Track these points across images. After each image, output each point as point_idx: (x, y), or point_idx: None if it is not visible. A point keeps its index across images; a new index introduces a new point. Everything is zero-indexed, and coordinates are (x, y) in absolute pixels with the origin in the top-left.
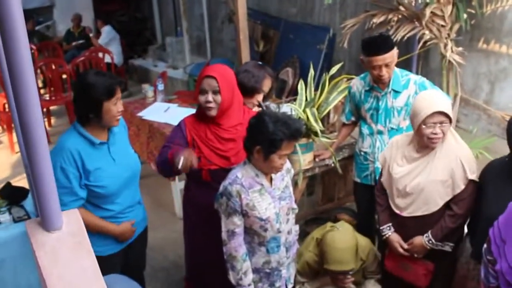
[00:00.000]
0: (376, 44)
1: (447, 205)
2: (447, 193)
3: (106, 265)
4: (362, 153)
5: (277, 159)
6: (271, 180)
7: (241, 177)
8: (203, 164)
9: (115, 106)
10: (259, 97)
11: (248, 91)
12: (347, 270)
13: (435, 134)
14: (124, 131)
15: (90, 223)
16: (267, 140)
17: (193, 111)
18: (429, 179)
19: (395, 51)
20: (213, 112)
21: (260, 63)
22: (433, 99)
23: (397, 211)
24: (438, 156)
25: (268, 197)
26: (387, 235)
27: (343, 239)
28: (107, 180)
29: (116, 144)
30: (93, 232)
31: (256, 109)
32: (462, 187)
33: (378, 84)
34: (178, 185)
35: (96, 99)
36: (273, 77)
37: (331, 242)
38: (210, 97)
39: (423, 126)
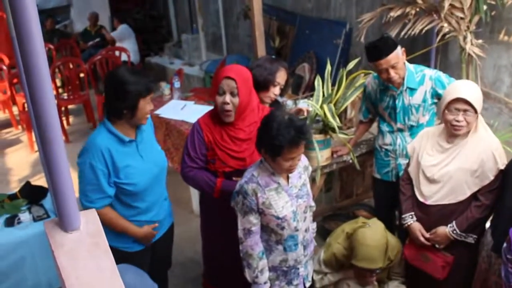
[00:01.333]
0: (377, 48)
1: (473, 196)
2: (475, 183)
3: (135, 260)
4: (383, 149)
5: (284, 162)
6: (287, 178)
7: (257, 176)
8: (218, 166)
9: (148, 105)
10: (275, 90)
11: (261, 85)
12: (375, 268)
13: (458, 121)
14: (151, 129)
15: (115, 224)
16: (269, 144)
17: (209, 108)
18: (458, 167)
19: (398, 50)
20: (231, 118)
21: (273, 57)
22: (460, 86)
23: (422, 199)
24: (469, 146)
25: (285, 195)
26: (408, 223)
27: (374, 236)
28: (136, 177)
29: (143, 141)
30: (115, 231)
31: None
32: (491, 178)
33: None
34: None
35: (134, 95)
36: (287, 69)
37: (362, 239)
38: (228, 98)
39: (446, 111)
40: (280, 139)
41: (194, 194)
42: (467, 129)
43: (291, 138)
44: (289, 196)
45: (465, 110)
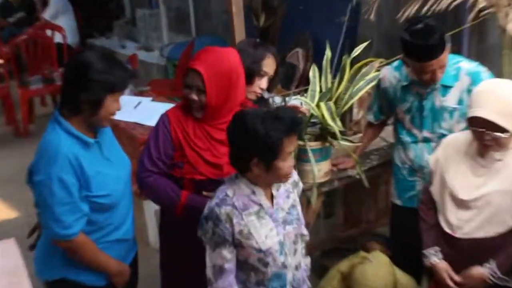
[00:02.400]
0: (429, 48)
1: None
2: None
3: None
4: (407, 166)
5: (283, 163)
6: (272, 197)
7: (232, 196)
8: (186, 172)
9: (116, 104)
10: (262, 83)
11: (245, 77)
12: None
13: (484, 141)
14: (109, 127)
15: (89, 257)
16: (262, 147)
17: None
18: (498, 190)
19: (448, 44)
20: (198, 115)
21: (258, 40)
22: (487, 95)
23: (449, 231)
24: (511, 162)
25: (269, 220)
26: (432, 261)
27: (377, 274)
28: (110, 186)
29: (106, 141)
30: (86, 265)
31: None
32: None
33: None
34: (152, 206)
35: (100, 87)
36: (276, 56)
37: (362, 278)
38: (194, 95)
39: (470, 128)
40: (273, 134)
41: (151, 220)
42: (500, 149)
43: (287, 126)
44: (274, 221)
45: (490, 129)
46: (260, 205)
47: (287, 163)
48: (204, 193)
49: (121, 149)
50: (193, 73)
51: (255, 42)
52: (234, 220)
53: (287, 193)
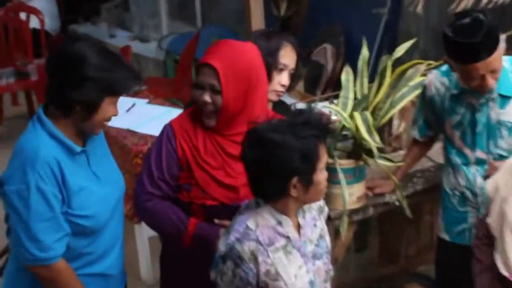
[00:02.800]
0: (469, 47)
1: None
2: None
3: None
4: (457, 193)
5: (322, 176)
6: (298, 227)
7: (255, 228)
8: (195, 196)
9: (113, 108)
10: (282, 78)
11: None
12: None
13: None
14: (103, 136)
15: None
16: (300, 160)
17: (171, 111)
18: None
19: (502, 44)
20: (211, 122)
21: (271, 29)
22: None
23: (507, 274)
24: None
25: (297, 256)
26: None
27: None
28: (95, 206)
29: (96, 153)
30: None
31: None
32: None
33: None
34: (146, 231)
35: (98, 88)
36: (295, 46)
37: None
38: (207, 96)
39: None
40: (308, 142)
41: (144, 248)
42: None
43: (318, 132)
44: (303, 256)
45: None
46: (288, 237)
47: (324, 175)
48: (216, 221)
49: (115, 164)
50: (206, 69)
51: (267, 32)
52: (260, 259)
53: (314, 221)
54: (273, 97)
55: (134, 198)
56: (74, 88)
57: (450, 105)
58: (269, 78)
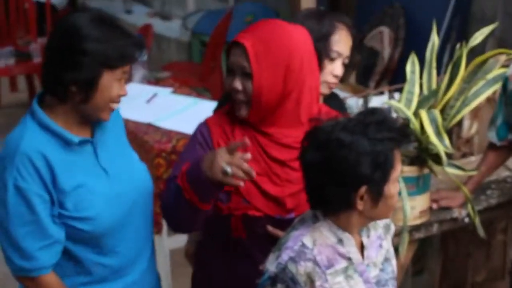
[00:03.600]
0: None
1: None
2: None
3: None
4: None
5: (394, 188)
6: (361, 247)
7: (313, 246)
8: (235, 206)
9: (119, 84)
10: (336, 68)
11: None
12: None
13: None
14: (121, 126)
15: None
16: (373, 168)
17: (199, 102)
18: None
19: None
20: (242, 112)
21: (323, 8)
22: None
23: None
24: None
25: (359, 281)
26: None
27: None
28: (98, 206)
29: (108, 144)
30: None
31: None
32: None
33: None
34: (166, 243)
35: (93, 61)
36: (351, 29)
37: None
38: (237, 82)
39: None
40: (383, 148)
41: (164, 263)
42: None
43: (396, 136)
44: (366, 283)
45: None
46: (349, 258)
47: (397, 188)
48: (270, 228)
49: (135, 158)
50: (236, 49)
51: (319, 11)
52: (317, 283)
53: (380, 241)
54: (325, 89)
55: (161, 198)
56: (66, 65)
57: None
58: (320, 67)
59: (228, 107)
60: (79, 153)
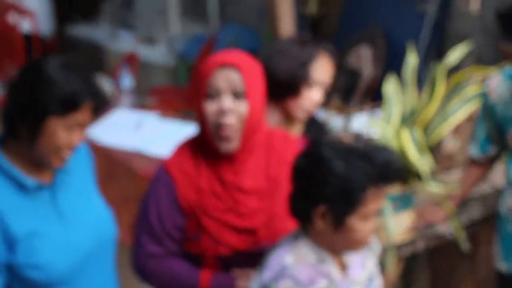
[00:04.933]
0: None
1: None
2: None
3: None
4: None
5: (360, 225)
6: (343, 267)
7: (293, 265)
8: (206, 247)
9: (68, 134)
10: (314, 95)
11: (287, 87)
12: None
13: None
14: (87, 166)
15: None
16: (338, 193)
17: (185, 126)
18: None
19: None
20: (232, 143)
21: (306, 35)
22: None
23: None
24: None
25: None
26: None
27: None
28: (50, 255)
29: (69, 189)
30: None
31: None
32: None
33: None
34: None
35: (40, 105)
36: (333, 56)
37: None
38: (227, 102)
39: None
40: (358, 177)
41: None
42: None
43: (379, 171)
44: None
45: None
46: (329, 277)
47: (366, 225)
48: (236, 271)
49: (99, 201)
50: (226, 70)
51: (301, 38)
52: None
53: (363, 261)
54: (302, 114)
55: (131, 258)
56: (16, 103)
57: None
58: (297, 93)
59: (187, 144)
60: (35, 197)
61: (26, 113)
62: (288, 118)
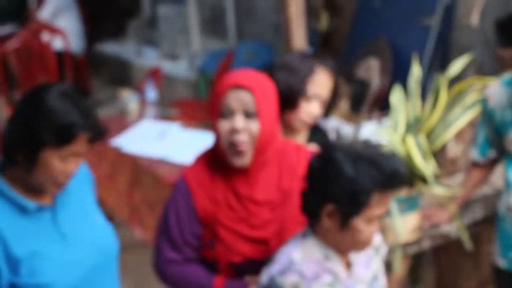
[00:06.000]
0: (509, 28)
1: None
2: None
3: None
4: (511, 215)
5: (364, 226)
6: (348, 265)
7: (300, 260)
8: (220, 254)
9: (62, 164)
10: (311, 108)
11: (286, 99)
12: None
13: None
14: (87, 184)
15: None
16: (345, 193)
17: (206, 136)
18: None
19: None
20: (245, 159)
21: (309, 50)
22: None
23: None
24: None
25: None
26: None
27: None
28: (51, 274)
29: (69, 209)
30: None
31: (311, 146)
32: None
33: None
34: None
35: (34, 137)
36: (331, 71)
37: None
38: (239, 122)
39: None
40: (366, 181)
41: None
42: None
43: (385, 177)
44: None
45: None
46: (335, 274)
47: (370, 228)
48: (247, 278)
49: (100, 222)
50: (239, 91)
51: (303, 54)
52: None
53: (368, 259)
54: (299, 125)
55: (153, 262)
56: (13, 132)
57: (510, 117)
58: (295, 105)
59: (204, 157)
60: (36, 219)
61: (22, 143)
62: (288, 128)
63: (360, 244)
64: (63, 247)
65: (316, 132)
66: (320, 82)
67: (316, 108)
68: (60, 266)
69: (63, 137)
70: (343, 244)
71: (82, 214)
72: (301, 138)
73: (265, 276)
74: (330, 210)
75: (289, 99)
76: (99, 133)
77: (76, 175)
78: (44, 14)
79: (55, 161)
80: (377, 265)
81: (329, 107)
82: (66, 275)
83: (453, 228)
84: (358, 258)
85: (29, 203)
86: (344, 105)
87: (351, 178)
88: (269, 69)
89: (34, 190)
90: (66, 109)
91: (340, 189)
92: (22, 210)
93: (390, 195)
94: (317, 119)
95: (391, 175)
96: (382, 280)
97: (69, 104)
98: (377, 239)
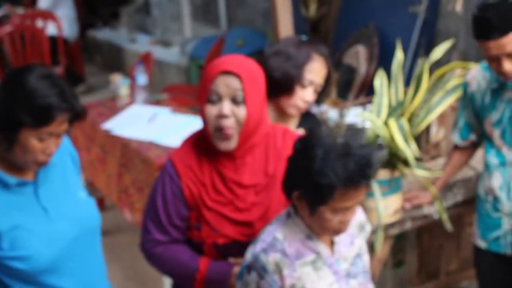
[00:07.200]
0: (485, 21)
1: None
2: None
3: None
4: (490, 198)
5: (331, 216)
6: (331, 244)
7: (283, 240)
8: (205, 236)
9: (41, 144)
10: (306, 94)
11: (281, 85)
12: None
13: None
14: (70, 161)
15: None
16: (310, 184)
17: (196, 120)
18: None
19: None
20: (231, 143)
21: (304, 37)
22: None
23: None
24: None
25: (329, 273)
26: None
27: None
28: (33, 246)
29: (51, 183)
30: None
31: (300, 131)
32: None
33: None
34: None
35: (12, 117)
36: (327, 58)
37: None
38: (227, 107)
39: None
40: (329, 176)
41: None
42: None
43: (348, 175)
44: (335, 274)
45: None
46: (318, 253)
47: (337, 217)
48: (231, 259)
49: (82, 197)
50: (227, 77)
51: (298, 40)
52: (285, 272)
53: (351, 238)
54: (293, 111)
55: (140, 244)
56: None
57: (490, 100)
58: (291, 92)
59: (191, 140)
60: (18, 193)
61: (2, 123)
62: (282, 114)
63: (330, 230)
64: (45, 221)
65: (307, 118)
66: (316, 69)
67: (310, 95)
68: (41, 239)
69: (41, 118)
70: (315, 227)
71: (64, 188)
72: (292, 124)
73: (249, 254)
74: (298, 196)
75: (284, 85)
76: (78, 115)
77: (59, 151)
78: (42, 3)
79: (34, 141)
80: (360, 243)
81: (322, 94)
82: (48, 248)
83: (434, 210)
84: (341, 236)
85: (11, 178)
86: (331, 90)
87: (318, 172)
88: (260, 55)
89: (16, 166)
90: (44, 91)
91: (307, 179)
92: (4, 185)
93: (357, 190)
94: (310, 105)
95: (355, 173)
96: (366, 258)
97: (48, 86)
98: (361, 217)
